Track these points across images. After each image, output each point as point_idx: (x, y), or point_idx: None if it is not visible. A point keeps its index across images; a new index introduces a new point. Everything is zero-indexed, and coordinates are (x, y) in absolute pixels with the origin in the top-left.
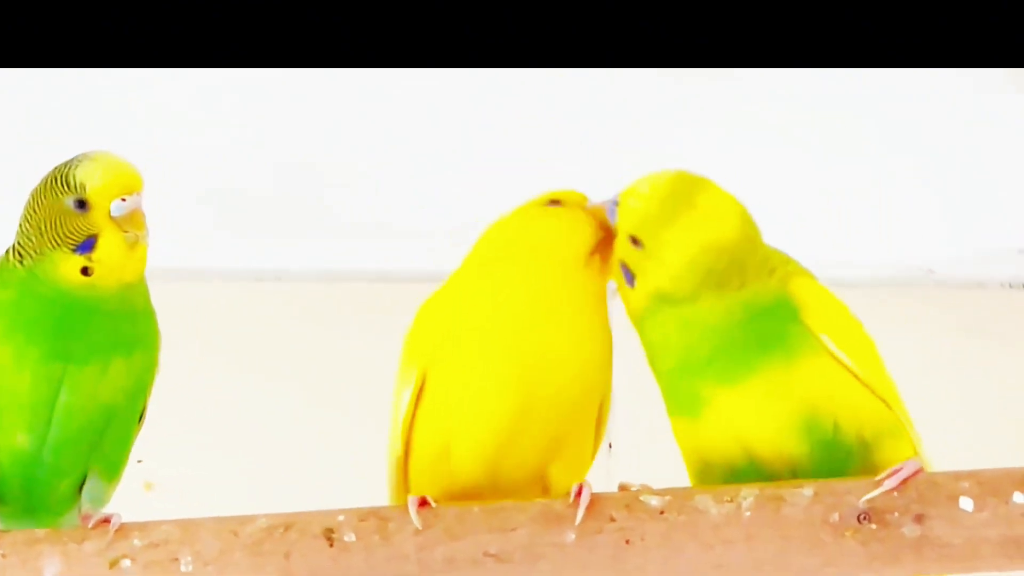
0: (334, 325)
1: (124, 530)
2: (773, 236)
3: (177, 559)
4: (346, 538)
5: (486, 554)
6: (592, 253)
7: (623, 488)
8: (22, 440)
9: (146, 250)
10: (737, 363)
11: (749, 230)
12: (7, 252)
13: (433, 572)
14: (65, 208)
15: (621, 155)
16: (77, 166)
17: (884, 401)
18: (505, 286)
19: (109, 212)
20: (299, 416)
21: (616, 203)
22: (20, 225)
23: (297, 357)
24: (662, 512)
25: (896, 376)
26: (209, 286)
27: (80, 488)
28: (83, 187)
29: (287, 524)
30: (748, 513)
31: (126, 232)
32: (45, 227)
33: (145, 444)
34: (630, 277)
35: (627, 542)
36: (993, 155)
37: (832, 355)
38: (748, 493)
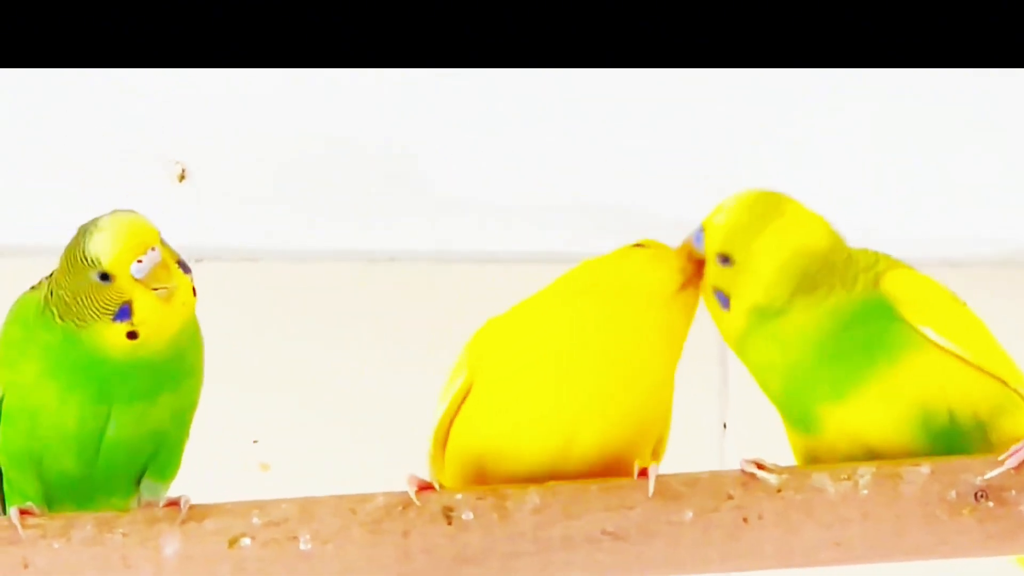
0: (448, 306)
1: (243, 508)
2: (885, 215)
3: (296, 537)
4: (464, 516)
5: (603, 532)
6: (680, 289)
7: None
8: (70, 465)
9: (189, 291)
10: (842, 377)
11: (835, 236)
12: (41, 296)
13: (550, 550)
14: (92, 282)
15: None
16: (90, 239)
17: (998, 378)
18: (575, 313)
19: (132, 276)
20: (413, 396)
21: (701, 229)
22: (54, 279)
23: (412, 338)
24: (779, 490)
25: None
26: (322, 267)
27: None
28: (99, 261)
29: (405, 503)
30: (865, 491)
31: (156, 289)
32: (81, 299)
33: (260, 424)
34: (725, 300)
35: (744, 520)
36: None
37: (937, 345)
38: (865, 471)
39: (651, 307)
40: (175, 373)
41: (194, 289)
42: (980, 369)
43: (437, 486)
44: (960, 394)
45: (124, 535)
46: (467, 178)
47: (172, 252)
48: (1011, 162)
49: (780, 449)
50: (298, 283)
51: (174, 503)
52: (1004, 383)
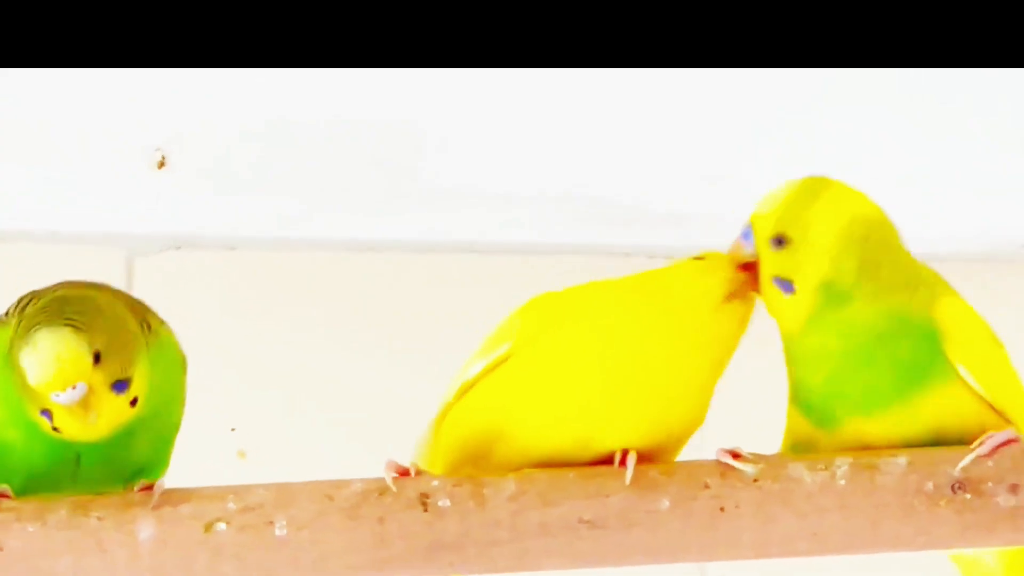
0: (427, 295)
1: (219, 493)
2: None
3: (272, 522)
4: (440, 503)
5: (580, 520)
6: (726, 299)
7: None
8: (48, 489)
9: (119, 411)
10: (879, 393)
11: (887, 217)
12: (7, 336)
13: (527, 538)
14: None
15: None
16: (24, 348)
17: (1012, 423)
18: (626, 316)
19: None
20: (392, 386)
21: (748, 226)
22: (20, 322)
23: (392, 327)
24: (756, 480)
25: None
26: (301, 256)
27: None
28: (27, 377)
29: (382, 488)
30: (842, 482)
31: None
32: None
33: (238, 412)
34: (787, 285)
35: (721, 510)
36: None
37: (965, 382)
38: (842, 462)
39: (694, 320)
40: (137, 424)
41: (134, 400)
42: (1000, 413)
43: (412, 471)
44: (975, 429)
45: (99, 519)
46: (450, 166)
47: (115, 365)
48: (989, 158)
49: (758, 442)
50: (277, 271)
51: (148, 487)
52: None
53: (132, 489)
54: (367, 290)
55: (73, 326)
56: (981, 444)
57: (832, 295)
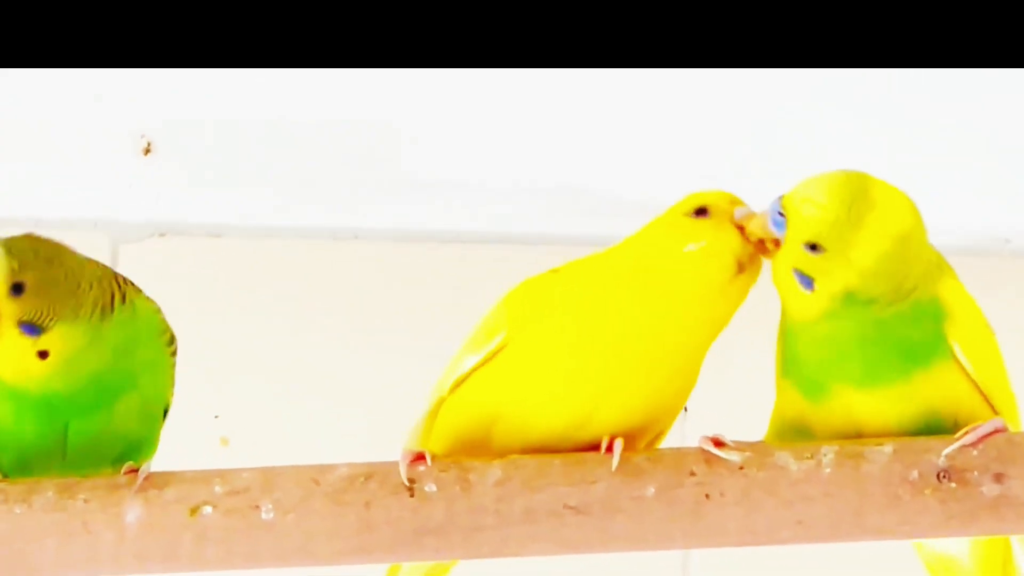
0: (413, 284)
1: (205, 477)
2: None
3: (258, 506)
4: (427, 488)
5: (565, 506)
6: (733, 279)
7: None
8: (39, 469)
9: (25, 356)
10: (883, 372)
11: (919, 215)
12: None
13: (512, 524)
14: None
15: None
16: None
17: (994, 408)
18: (624, 292)
19: None
20: (376, 374)
21: (781, 213)
22: None
23: (374, 315)
24: (742, 468)
25: None
26: (285, 243)
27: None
28: None
29: (368, 473)
30: (828, 470)
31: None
32: None
33: (221, 400)
34: (808, 282)
35: (706, 497)
36: None
37: (959, 364)
38: (828, 450)
39: (700, 302)
40: (118, 383)
41: (43, 353)
42: (986, 399)
43: (428, 458)
44: (967, 412)
45: (86, 501)
46: (435, 157)
47: (34, 306)
48: (974, 154)
49: (741, 431)
50: (261, 259)
51: (134, 470)
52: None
53: (119, 471)
54: (350, 278)
55: (7, 250)
56: (967, 433)
57: (853, 301)
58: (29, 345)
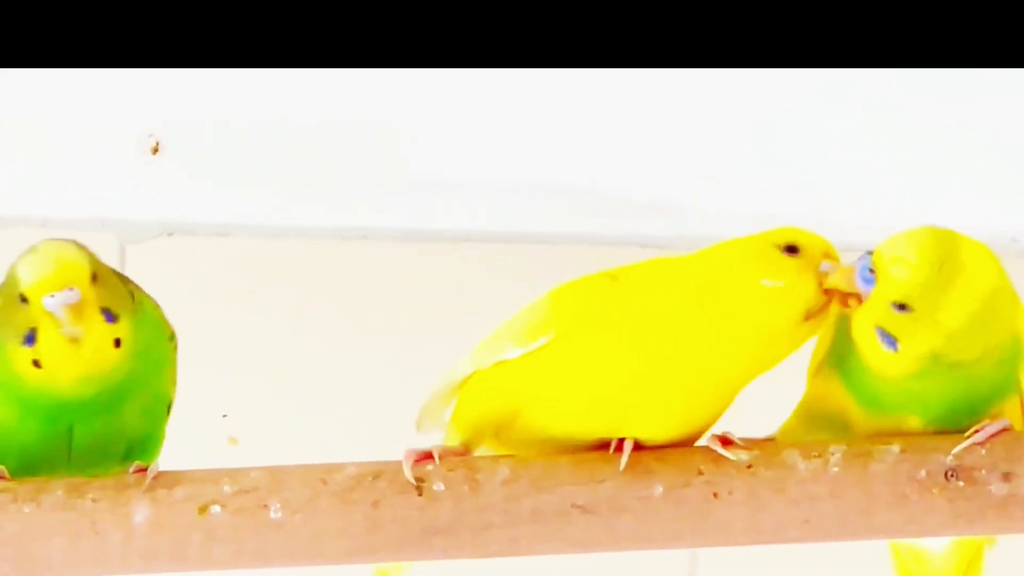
0: (418, 284)
1: (214, 476)
2: (857, 203)
3: (266, 505)
4: (435, 488)
5: (573, 505)
6: (806, 318)
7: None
8: (44, 470)
9: (105, 341)
10: (959, 416)
11: (1004, 272)
12: None
13: (520, 523)
14: (15, 300)
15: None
16: (23, 257)
17: None
18: (686, 312)
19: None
20: (383, 373)
21: (871, 269)
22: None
23: (381, 313)
24: (750, 466)
25: None
26: (293, 243)
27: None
28: (20, 281)
29: (376, 473)
30: (835, 469)
31: (62, 328)
32: (6, 316)
33: (229, 399)
34: (892, 341)
35: (714, 496)
36: None
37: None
38: (836, 449)
39: (759, 340)
40: (131, 382)
41: (118, 340)
42: None
43: (437, 455)
44: None
45: (94, 500)
46: (435, 157)
47: (107, 296)
48: (982, 154)
49: (749, 428)
50: (269, 258)
51: (142, 469)
52: None
53: (127, 471)
54: (356, 277)
55: (76, 244)
56: (976, 432)
57: (939, 361)
58: (108, 332)
